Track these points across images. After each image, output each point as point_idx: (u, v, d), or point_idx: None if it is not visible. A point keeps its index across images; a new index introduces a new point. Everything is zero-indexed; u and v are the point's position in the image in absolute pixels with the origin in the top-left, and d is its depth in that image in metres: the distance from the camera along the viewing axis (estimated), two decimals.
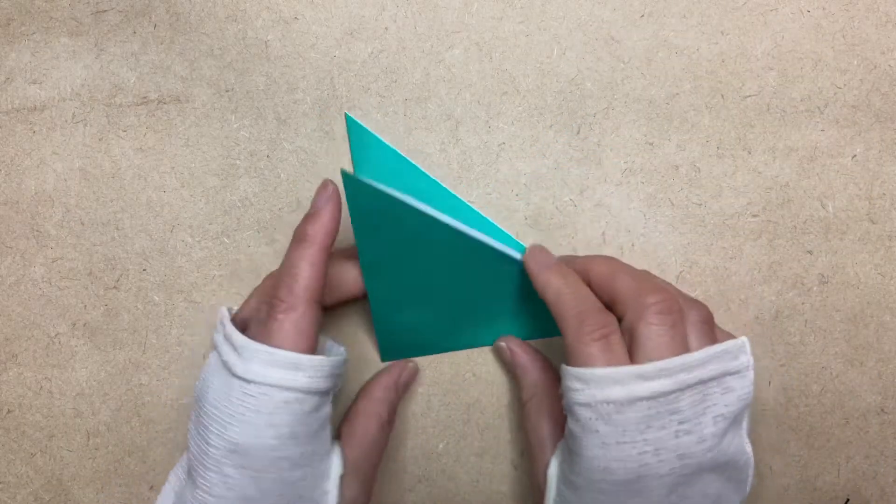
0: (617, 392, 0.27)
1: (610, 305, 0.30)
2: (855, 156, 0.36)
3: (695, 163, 0.36)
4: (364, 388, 0.35)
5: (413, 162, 0.36)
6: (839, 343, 0.36)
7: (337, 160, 0.37)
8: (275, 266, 0.37)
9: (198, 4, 0.37)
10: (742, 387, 0.28)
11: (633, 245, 0.36)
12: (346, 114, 0.36)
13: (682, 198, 0.36)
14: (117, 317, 0.37)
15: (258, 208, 0.37)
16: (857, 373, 0.36)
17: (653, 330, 0.28)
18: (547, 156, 0.37)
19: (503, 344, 0.36)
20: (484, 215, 0.36)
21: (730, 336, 0.30)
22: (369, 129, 0.35)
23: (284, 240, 0.37)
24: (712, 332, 0.30)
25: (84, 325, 0.37)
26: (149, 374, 0.37)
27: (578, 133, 0.37)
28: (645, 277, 0.30)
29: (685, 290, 0.36)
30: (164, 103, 0.37)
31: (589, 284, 0.31)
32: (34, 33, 0.37)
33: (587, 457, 0.28)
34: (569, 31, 0.36)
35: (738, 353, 0.29)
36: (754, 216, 0.36)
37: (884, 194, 0.36)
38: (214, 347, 0.32)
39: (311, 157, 0.37)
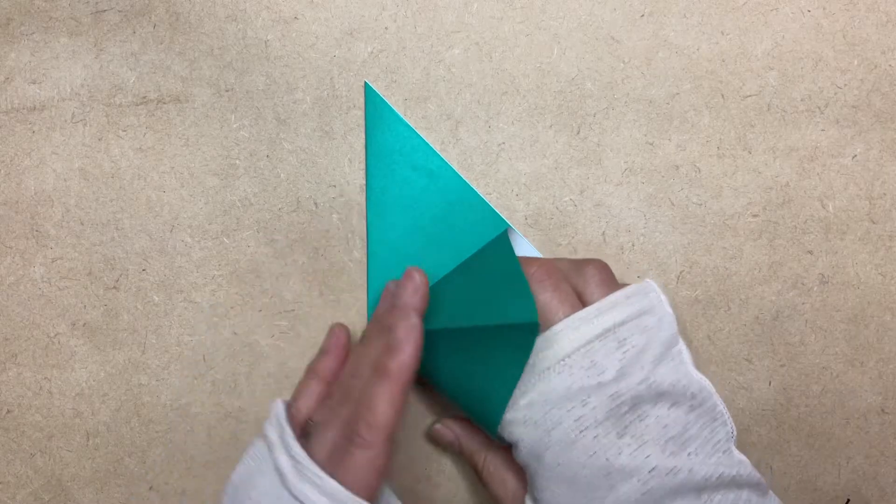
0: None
1: None
2: (855, 156, 0.36)
3: (695, 163, 0.36)
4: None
5: (427, 141, 0.36)
6: (839, 343, 0.36)
7: (337, 160, 0.37)
8: (274, 267, 0.37)
9: (198, 4, 0.37)
10: (659, 321, 0.30)
11: (633, 245, 0.36)
12: (365, 83, 0.36)
13: (682, 198, 0.36)
14: (117, 317, 0.37)
15: (258, 208, 0.37)
16: (858, 373, 0.36)
17: (538, 298, 0.30)
18: (547, 156, 0.37)
19: (439, 426, 0.35)
20: (492, 207, 0.36)
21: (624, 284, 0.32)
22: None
23: (284, 240, 0.37)
24: (612, 284, 0.32)
25: (84, 325, 0.37)
26: (148, 375, 0.37)
27: (578, 133, 0.37)
28: (523, 258, 0.33)
29: (685, 289, 0.36)
30: (164, 103, 0.37)
31: None
32: (34, 33, 0.37)
33: (532, 446, 0.29)
34: (569, 31, 0.36)
35: (646, 292, 0.31)
36: (754, 216, 0.36)
37: (884, 194, 0.36)
38: (265, 440, 0.31)
39: (311, 157, 0.37)
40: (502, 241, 0.35)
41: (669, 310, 0.31)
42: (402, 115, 0.36)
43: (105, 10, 0.37)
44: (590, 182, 0.36)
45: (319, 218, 0.37)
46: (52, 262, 0.37)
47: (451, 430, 0.35)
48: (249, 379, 0.37)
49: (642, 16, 0.36)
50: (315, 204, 0.37)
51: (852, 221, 0.36)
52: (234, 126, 0.37)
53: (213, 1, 0.37)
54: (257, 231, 0.37)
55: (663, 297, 0.31)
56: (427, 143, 0.36)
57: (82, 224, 0.37)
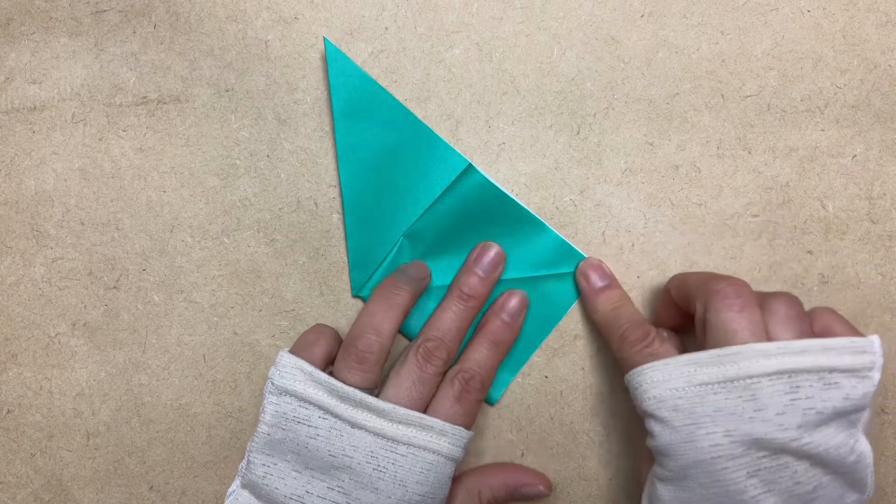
0: (674, 381, 0.29)
1: (686, 304, 0.32)
2: (855, 156, 0.36)
3: (695, 163, 0.36)
4: (486, 465, 0.36)
5: (396, 98, 0.36)
6: None
7: (337, 160, 0.37)
8: (274, 267, 0.37)
9: (198, 4, 0.37)
10: (854, 386, 0.27)
11: (633, 245, 0.36)
12: (324, 38, 0.36)
13: (682, 198, 0.36)
14: (117, 317, 0.37)
15: (258, 208, 0.37)
16: None
17: (720, 316, 0.28)
18: (547, 156, 0.37)
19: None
20: (464, 157, 0.37)
21: (855, 333, 0.29)
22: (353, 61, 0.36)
23: (284, 240, 0.37)
24: (801, 324, 0.29)
25: (84, 325, 0.37)
26: (149, 374, 0.37)
27: (578, 133, 0.37)
28: (715, 273, 0.32)
29: None
30: (164, 103, 0.37)
31: (669, 293, 0.34)
32: (34, 33, 0.37)
33: (663, 445, 0.29)
34: (569, 31, 0.36)
35: (855, 350, 0.27)
36: (754, 216, 0.36)
37: (884, 194, 0.36)
38: (306, 401, 0.31)
39: (311, 157, 0.37)
40: (485, 187, 0.36)
41: (877, 376, 0.27)
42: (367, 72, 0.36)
43: (105, 10, 0.37)
44: (590, 182, 0.37)
45: (319, 218, 0.37)
46: (53, 262, 0.37)
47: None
48: (249, 379, 0.37)
49: (642, 16, 0.36)
50: (315, 204, 0.37)
51: (852, 221, 0.36)
52: (235, 126, 0.37)
53: (213, 1, 0.37)
54: (257, 231, 0.37)
55: (879, 360, 0.28)
56: (393, 97, 0.36)
57: (82, 224, 0.37)
